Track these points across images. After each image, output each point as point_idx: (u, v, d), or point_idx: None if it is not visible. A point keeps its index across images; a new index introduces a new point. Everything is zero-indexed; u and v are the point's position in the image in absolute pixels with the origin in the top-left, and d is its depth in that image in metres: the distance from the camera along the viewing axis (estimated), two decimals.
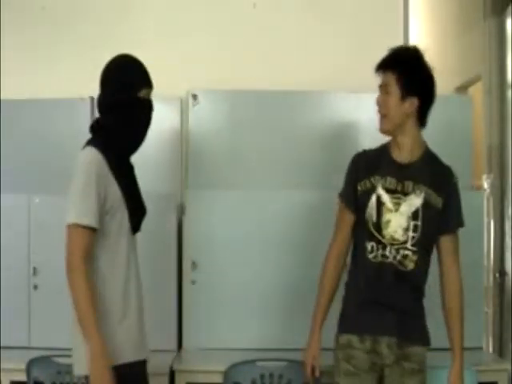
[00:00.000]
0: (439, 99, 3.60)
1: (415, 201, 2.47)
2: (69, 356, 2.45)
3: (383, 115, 2.52)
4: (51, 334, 3.28)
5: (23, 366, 2.94)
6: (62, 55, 3.81)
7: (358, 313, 2.53)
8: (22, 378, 2.97)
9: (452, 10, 4.95)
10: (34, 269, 3.36)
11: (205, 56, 3.75)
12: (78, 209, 2.30)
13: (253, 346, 3.26)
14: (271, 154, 3.54)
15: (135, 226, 2.48)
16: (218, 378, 2.96)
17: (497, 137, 3.91)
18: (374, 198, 2.49)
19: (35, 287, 3.36)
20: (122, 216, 2.40)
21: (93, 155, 2.36)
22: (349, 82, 3.50)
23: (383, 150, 2.57)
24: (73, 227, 2.30)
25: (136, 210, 2.47)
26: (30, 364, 2.94)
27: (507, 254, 3.76)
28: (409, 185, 2.48)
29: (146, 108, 2.48)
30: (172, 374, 3.09)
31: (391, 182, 2.49)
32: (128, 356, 2.39)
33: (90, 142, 2.44)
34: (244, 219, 3.37)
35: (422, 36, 5.25)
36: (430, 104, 2.55)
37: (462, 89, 4.56)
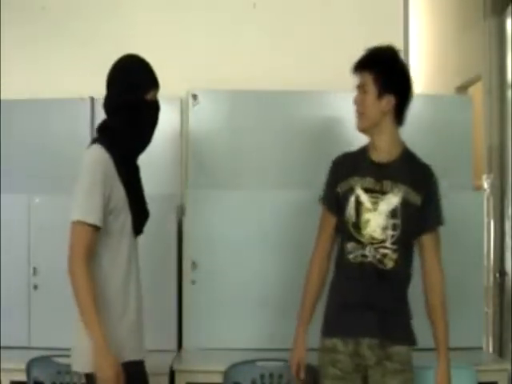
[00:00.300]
0: (439, 99, 3.63)
1: (393, 199, 2.48)
2: (68, 356, 2.45)
3: (360, 114, 2.54)
4: (51, 334, 3.28)
5: (23, 366, 2.94)
6: (62, 55, 3.81)
7: (339, 315, 2.53)
8: (22, 378, 2.96)
9: (452, 10, 4.95)
10: (34, 269, 3.36)
11: (205, 56, 3.74)
12: (83, 207, 2.31)
13: (253, 346, 3.25)
14: (271, 154, 3.54)
15: (137, 229, 2.47)
16: (218, 378, 2.95)
17: (497, 137, 3.92)
18: (353, 199, 2.51)
19: (35, 287, 3.36)
20: (125, 217, 2.40)
21: (100, 154, 2.37)
22: (349, 82, 3.49)
23: (362, 151, 2.59)
24: (77, 224, 2.30)
25: (139, 213, 2.47)
26: (30, 364, 2.94)
27: (507, 254, 3.76)
28: (387, 184, 2.49)
29: (154, 110, 2.48)
30: (172, 374, 3.09)
31: (370, 181, 2.51)
32: (127, 355, 2.39)
33: (96, 141, 2.43)
34: (244, 219, 3.37)
35: (422, 36, 5.26)
36: (407, 102, 2.56)
37: (462, 89, 4.57)
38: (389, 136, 2.54)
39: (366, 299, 2.48)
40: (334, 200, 2.57)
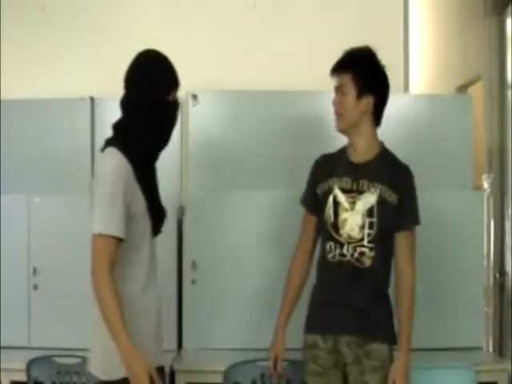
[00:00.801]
0: (439, 99, 3.63)
1: (370, 198, 2.51)
2: (68, 356, 2.45)
3: (339, 115, 2.56)
4: (51, 333, 3.29)
5: (23, 366, 2.94)
6: (62, 55, 3.81)
7: (320, 312, 2.58)
8: (22, 378, 2.97)
9: (452, 9, 4.95)
10: (34, 269, 3.36)
11: (205, 56, 3.75)
12: (106, 219, 2.24)
13: (253, 346, 3.25)
14: (272, 154, 3.54)
15: (157, 230, 2.44)
16: (218, 378, 2.96)
17: (497, 137, 3.91)
18: (331, 199, 2.55)
19: (35, 287, 3.36)
20: (145, 222, 2.36)
21: (119, 160, 2.29)
22: None
23: (342, 151, 2.63)
24: (100, 237, 2.24)
25: (158, 216, 2.44)
26: (30, 364, 2.94)
27: (507, 254, 3.76)
28: (364, 183, 2.52)
29: (174, 110, 2.42)
30: (172, 374, 3.09)
31: (347, 181, 2.54)
32: (151, 360, 2.33)
33: (112, 143, 2.36)
34: (244, 219, 3.37)
35: (423, 36, 5.26)
36: (385, 102, 2.58)
37: (462, 89, 4.57)
38: (367, 136, 2.56)
39: (344, 298, 2.52)
40: (313, 201, 2.62)
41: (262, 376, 2.91)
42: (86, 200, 3.44)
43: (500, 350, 3.74)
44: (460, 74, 4.55)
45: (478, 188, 3.84)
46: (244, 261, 3.35)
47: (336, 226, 2.52)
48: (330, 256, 2.53)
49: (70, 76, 3.75)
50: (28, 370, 2.94)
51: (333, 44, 3.76)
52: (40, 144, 3.60)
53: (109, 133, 3.72)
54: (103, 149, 2.39)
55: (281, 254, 3.33)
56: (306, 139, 3.53)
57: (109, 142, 2.39)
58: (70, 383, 2.90)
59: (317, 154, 3.50)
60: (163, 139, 2.44)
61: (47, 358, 2.94)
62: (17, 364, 3.03)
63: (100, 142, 3.56)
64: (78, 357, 2.91)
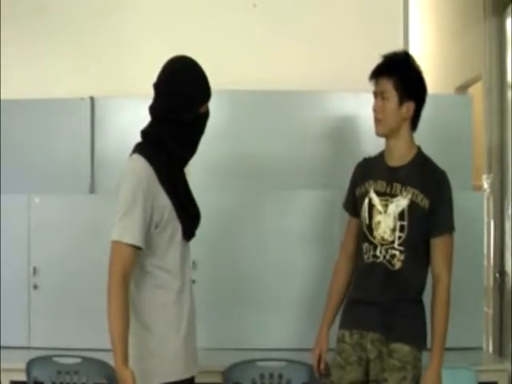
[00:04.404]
0: (439, 99, 3.63)
1: (402, 202, 2.54)
2: (68, 356, 2.45)
3: (380, 120, 2.58)
4: (51, 334, 3.29)
5: (23, 366, 2.94)
6: (62, 55, 3.81)
7: (350, 309, 2.64)
8: (22, 378, 2.97)
9: (452, 10, 4.96)
10: (34, 269, 3.36)
11: (205, 56, 3.73)
12: (121, 226, 2.25)
13: (253, 346, 3.25)
14: (271, 154, 3.54)
15: (189, 235, 2.42)
16: (218, 378, 2.96)
17: (497, 137, 3.92)
18: (366, 201, 2.60)
19: (35, 287, 3.36)
20: (173, 227, 2.34)
21: (141, 167, 2.28)
22: (349, 82, 3.50)
23: (380, 155, 2.66)
24: (115, 244, 2.26)
25: (189, 219, 2.41)
26: (30, 364, 2.94)
27: (507, 254, 3.77)
28: (397, 186, 2.55)
29: (205, 121, 2.40)
30: None
31: (382, 184, 2.58)
32: (181, 373, 2.35)
33: (140, 149, 2.35)
34: (243, 219, 3.36)
35: (423, 36, 5.26)
36: (423, 107, 2.61)
37: (462, 89, 4.57)
38: (405, 140, 2.59)
39: (373, 297, 2.56)
40: (352, 204, 2.69)
41: (262, 376, 2.91)
42: (86, 200, 3.50)
43: (500, 350, 3.75)
44: (460, 74, 4.56)
45: (478, 188, 3.84)
46: (244, 261, 3.34)
47: (370, 228, 2.57)
48: (365, 257, 2.59)
49: (69, 76, 3.75)
50: (28, 370, 2.93)
51: (333, 44, 3.78)
52: (40, 144, 3.60)
53: (109, 133, 3.75)
54: (131, 154, 2.37)
55: (280, 254, 3.33)
56: (305, 139, 3.53)
57: (136, 148, 2.37)
58: (70, 383, 2.90)
59: (316, 153, 3.52)
60: (194, 148, 2.43)
61: (47, 358, 2.94)
62: (17, 364, 3.02)
63: (100, 142, 3.63)
64: (78, 357, 2.91)
